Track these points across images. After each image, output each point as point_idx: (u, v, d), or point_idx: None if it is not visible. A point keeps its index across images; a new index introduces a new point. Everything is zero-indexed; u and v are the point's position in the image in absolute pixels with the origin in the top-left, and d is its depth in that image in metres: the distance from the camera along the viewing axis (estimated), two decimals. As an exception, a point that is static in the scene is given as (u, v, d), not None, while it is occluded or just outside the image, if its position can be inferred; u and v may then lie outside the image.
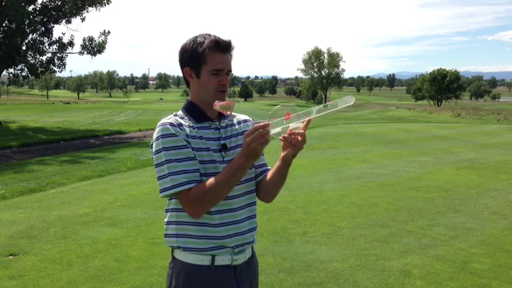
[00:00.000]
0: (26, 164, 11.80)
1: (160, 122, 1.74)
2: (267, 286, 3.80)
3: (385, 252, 4.62)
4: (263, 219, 5.51)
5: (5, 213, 6.14)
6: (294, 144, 1.68)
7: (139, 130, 22.67)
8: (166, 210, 1.82)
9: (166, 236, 1.81)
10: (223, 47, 1.75)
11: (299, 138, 1.67)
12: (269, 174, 1.86)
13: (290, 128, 1.66)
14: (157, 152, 1.69)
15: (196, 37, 1.77)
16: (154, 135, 1.72)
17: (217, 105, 1.69)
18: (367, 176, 8.77)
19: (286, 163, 1.76)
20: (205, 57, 1.73)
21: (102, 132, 21.18)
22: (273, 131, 1.62)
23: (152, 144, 1.74)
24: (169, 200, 1.79)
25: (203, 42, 1.74)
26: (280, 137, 1.67)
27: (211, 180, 1.67)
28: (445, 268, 4.24)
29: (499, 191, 7.55)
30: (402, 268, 4.22)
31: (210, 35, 1.76)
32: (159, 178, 1.69)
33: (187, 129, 1.73)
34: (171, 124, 1.71)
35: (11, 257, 4.51)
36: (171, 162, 1.66)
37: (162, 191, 1.69)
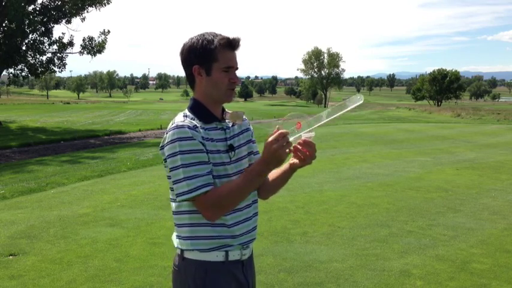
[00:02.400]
0: (25, 164, 11.81)
1: (175, 124, 1.69)
2: (267, 286, 3.80)
3: (385, 252, 4.62)
4: (263, 219, 5.51)
5: (5, 213, 6.14)
6: (302, 159, 1.69)
7: (139, 130, 22.72)
8: (177, 213, 1.78)
9: (178, 238, 1.79)
10: (234, 45, 1.75)
11: (307, 152, 1.66)
12: (272, 174, 1.87)
13: (302, 137, 1.63)
14: (173, 155, 1.66)
15: (203, 35, 1.75)
16: (169, 137, 1.67)
17: (228, 115, 1.69)
18: (367, 176, 8.77)
19: (292, 170, 1.78)
20: (216, 55, 1.72)
21: (102, 132, 21.22)
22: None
23: (164, 146, 1.70)
24: (179, 202, 1.77)
25: (213, 40, 1.73)
26: (291, 147, 1.64)
27: (229, 184, 1.67)
28: (445, 268, 4.24)
29: (499, 191, 7.55)
30: (402, 268, 4.22)
31: (216, 34, 1.76)
32: (175, 182, 1.68)
33: (202, 132, 1.71)
34: (188, 127, 1.67)
35: (11, 257, 4.50)
36: (187, 166, 1.64)
37: (178, 195, 1.68)
